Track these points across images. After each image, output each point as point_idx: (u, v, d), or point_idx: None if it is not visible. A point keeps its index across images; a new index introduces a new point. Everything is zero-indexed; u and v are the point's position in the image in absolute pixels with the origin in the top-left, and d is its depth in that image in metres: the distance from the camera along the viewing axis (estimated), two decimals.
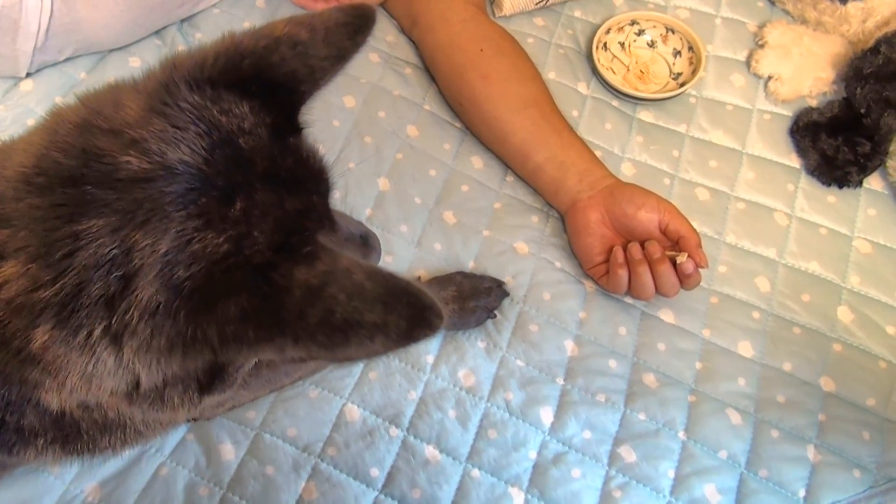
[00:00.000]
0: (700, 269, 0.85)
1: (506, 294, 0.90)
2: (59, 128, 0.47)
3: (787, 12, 1.15)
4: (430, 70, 1.06)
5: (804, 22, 1.13)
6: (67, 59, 1.01)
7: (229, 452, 0.80)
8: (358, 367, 0.85)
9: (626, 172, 1.02)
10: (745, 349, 0.90)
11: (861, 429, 0.85)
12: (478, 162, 1.00)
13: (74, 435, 0.56)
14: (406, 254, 0.93)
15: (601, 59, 1.09)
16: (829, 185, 1.01)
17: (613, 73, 1.09)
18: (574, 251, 0.94)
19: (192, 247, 0.43)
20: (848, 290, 0.94)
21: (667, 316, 0.91)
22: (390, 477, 0.81)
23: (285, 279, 0.44)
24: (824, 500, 0.81)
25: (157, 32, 1.06)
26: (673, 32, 1.10)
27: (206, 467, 0.80)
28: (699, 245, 0.86)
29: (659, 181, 1.01)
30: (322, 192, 0.53)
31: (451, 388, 0.85)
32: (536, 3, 1.13)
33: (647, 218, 0.87)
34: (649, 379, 0.87)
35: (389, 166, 0.98)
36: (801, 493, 0.82)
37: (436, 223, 0.95)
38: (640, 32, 1.11)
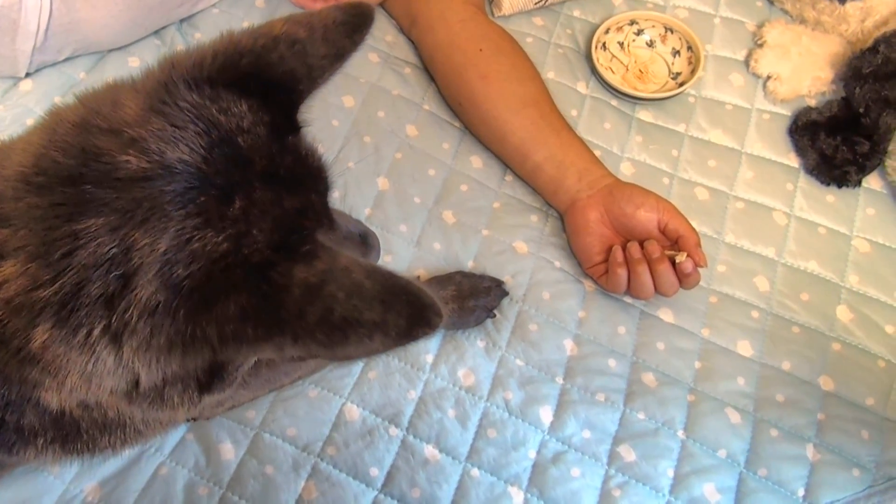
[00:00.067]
0: (699, 269, 0.85)
1: (505, 293, 0.90)
2: (58, 127, 0.48)
3: (785, 12, 1.15)
4: (430, 70, 1.06)
5: (803, 21, 1.13)
6: (67, 59, 1.01)
7: (229, 452, 0.80)
8: (357, 367, 0.86)
9: (626, 172, 1.02)
10: (745, 348, 0.90)
11: (860, 428, 0.85)
12: (477, 161, 1.00)
13: (74, 434, 0.56)
14: (405, 253, 0.93)
15: (600, 58, 1.09)
16: (828, 184, 1.01)
17: (612, 72, 1.09)
18: (573, 250, 0.94)
19: (191, 246, 0.43)
20: (847, 290, 0.94)
21: (666, 315, 0.91)
22: (390, 476, 0.81)
23: (284, 278, 0.44)
24: (823, 499, 0.81)
25: (157, 32, 1.06)
26: (672, 32, 1.10)
27: (206, 467, 0.80)
28: (698, 244, 0.86)
29: (658, 181, 1.01)
30: (321, 190, 0.53)
31: (451, 387, 0.85)
32: (535, 3, 1.13)
33: (647, 217, 0.87)
34: (648, 378, 0.87)
35: (389, 166, 0.98)
36: (801, 492, 0.82)
37: (435, 223, 0.95)
38: (639, 32, 1.12)
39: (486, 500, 0.80)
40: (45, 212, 0.44)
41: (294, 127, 0.53)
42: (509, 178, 1.00)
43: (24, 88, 0.99)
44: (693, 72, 1.06)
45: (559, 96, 1.02)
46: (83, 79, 1.01)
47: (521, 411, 0.84)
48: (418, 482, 0.80)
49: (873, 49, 0.99)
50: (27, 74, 0.99)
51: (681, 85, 1.06)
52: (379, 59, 1.07)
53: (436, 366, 0.86)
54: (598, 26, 1.10)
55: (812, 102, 1.07)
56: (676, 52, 1.10)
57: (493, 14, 1.13)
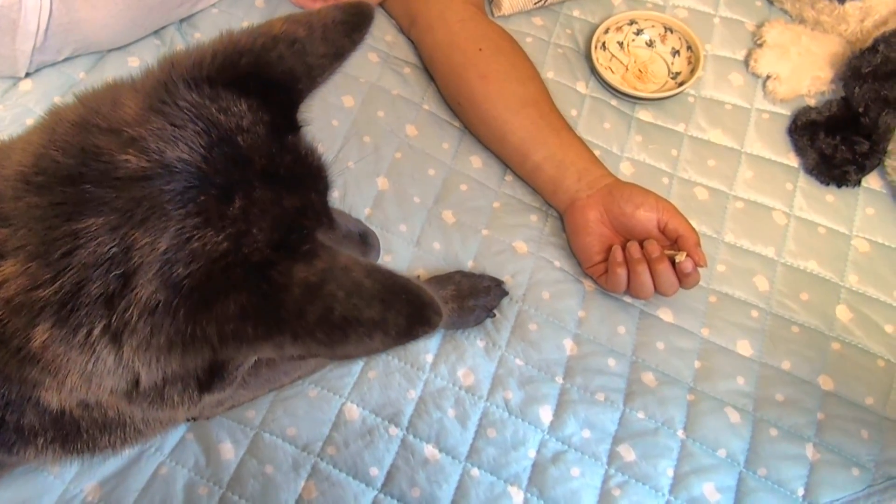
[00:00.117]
0: (699, 268, 0.85)
1: (505, 293, 0.90)
2: (57, 127, 0.48)
3: (785, 11, 1.15)
4: (429, 70, 1.06)
5: (802, 21, 1.13)
6: (66, 59, 1.01)
7: (229, 452, 0.80)
8: (357, 367, 0.86)
9: (625, 171, 1.02)
10: (744, 348, 0.90)
11: (860, 427, 0.85)
12: (477, 161, 1.00)
13: (74, 434, 0.56)
14: (405, 253, 0.93)
15: (600, 58, 1.09)
16: (828, 184, 1.01)
17: (612, 72, 1.09)
18: (573, 250, 0.94)
19: (191, 245, 0.43)
20: (846, 289, 0.94)
21: (666, 315, 0.91)
22: (390, 476, 0.81)
23: (284, 277, 0.44)
24: (823, 499, 0.81)
25: (156, 32, 1.06)
26: (671, 32, 1.10)
27: (206, 466, 0.80)
28: (698, 244, 0.86)
29: (658, 180, 1.01)
30: (321, 189, 0.53)
31: (451, 387, 0.85)
32: (535, 3, 1.13)
33: (646, 217, 0.87)
34: (648, 378, 0.87)
35: (388, 166, 0.98)
36: (800, 491, 0.82)
37: (435, 222, 0.95)
38: (639, 32, 1.12)
39: (485, 500, 0.80)
40: (44, 211, 0.44)
41: (294, 126, 0.53)
42: (509, 177, 1.00)
43: (24, 88, 0.99)
44: (692, 71, 1.06)
45: (559, 96, 1.02)
46: (83, 79, 1.01)
47: (520, 411, 0.84)
48: (418, 482, 0.80)
49: (872, 49, 0.99)
50: (27, 74, 0.99)
51: (680, 85, 1.06)
52: (378, 59, 1.07)
53: (435, 365, 0.86)
54: (597, 26, 1.10)
55: (811, 102, 1.07)
56: (676, 52, 1.10)
57: (492, 14, 1.13)
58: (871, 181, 1.02)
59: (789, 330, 0.91)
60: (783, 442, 0.84)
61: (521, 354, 0.87)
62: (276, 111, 0.51)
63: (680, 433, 0.84)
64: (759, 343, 0.90)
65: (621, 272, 0.86)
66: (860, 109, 0.98)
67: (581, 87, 1.08)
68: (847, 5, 1.06)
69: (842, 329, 0.91)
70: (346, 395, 0.84)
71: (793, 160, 1.04)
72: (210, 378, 0.49)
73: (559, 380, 0.86)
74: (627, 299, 0.92)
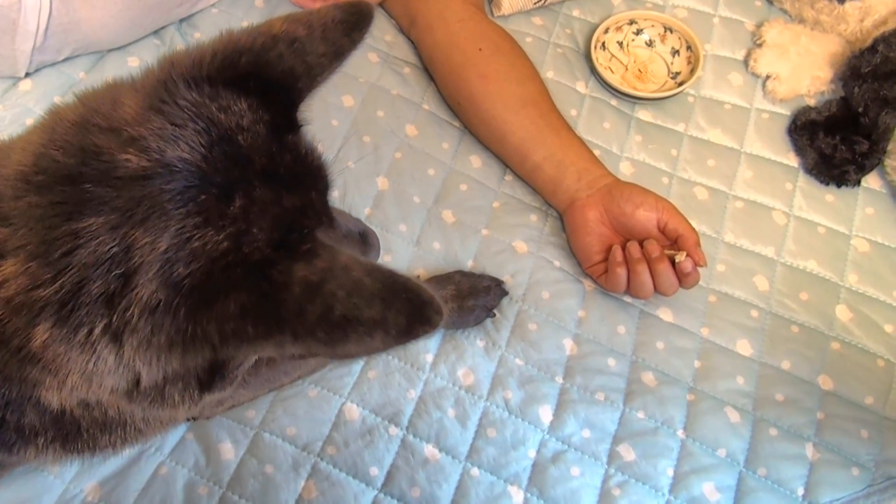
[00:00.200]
0: (698, 268, 0.85)
1: (505, 293, 0.90)
2: (57, 126, 0.47)
3: (784, 11, 1.16)
4: (429, 69, 1.06)
5: (802, 21, 1.13)
6: (66, 59, 1.01)
7: (229, 451, 0.80)
8: (357, 366, 0.86)
9: (625, 171, 1.02)
10: (744, 348, 0.90)
11: (859, 427, 0.85)
12: (476, 161, 1.01)
13: (74, 433, 0.56)
14: (405, 253, 0.93)
15: (599, 58, 1.09)
16: (828, 183, 1.01)
17: (612, 72, 1.09)
18: (573, 250, 0.94)
19: (191, 244, 0.43)
20: (846, 289, 0.94)
21: (665, 315, 0.91)
22: (390, 476, 0.81)
23: (284, 276, 0.44)
24: (823, 499, 0.81)
25: (156, 32, 1.06)
26: (671, 32, 1.10)
27: (206, 466, 0.80)
28: (698, 244, 0.86)
29: (657, 180, 1.01)
30: (321, 189, 0.53)
31: (451, 387, 0.85)
32: (535, 3, 1.13)
33: (646, 217, 0.87)
34: (648, 377, 0.87)
35: (388, 165, 0.98)
36: (800, 491, 0.82)
37: (435, 222, 0.95)
38: (639, 32, 1.12)
39: (485, 500, 0.80)
40: (44, 211, 0.44)
41: (293, 126, 0.52)
42: (509, 177, 1.00)
43: (24, 88, 0.99)
44: (692, 71, 1.06)
45: (558, 96, 1.02)
46: (83, 79, 1.01)
47: (520, 411, 0.84)
48: (418, 481, 0.80)
49: (872, 48, 0.99)
50: (27, 74, 0.99)
51: (680, 84, 1.06)
52: (378, 59, 1.07)
53: (435, 365, 0.86)
54: (597, 26, 1.10)
55: (811, 102, 1.08)
56: (676, 52, 1.10)
57: (492, 14, 1.13)
58: (871, 181, 1.02)
59: (789, 330, 0.91)
60: (783, 441, 0.84)
61: (521, 354, 0.87)
62: (275, 110, 0.51)
63: (680, 433, 0.84)
64: (759, 343, 0.90)
65: (621, 272, 0.86)
66: (860, 109, 0.98)
67: (581, 87, 1.08)
68: (846, 5, 1.06)
69: (841, 329, 0.91)
70: (346, 394, 0.84)
71: (792, 160, 1.04)
72: (210, 377, 0.49)
73: (559, 379, 0.86)
74: (627, 299, 0.92)
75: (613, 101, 1.07)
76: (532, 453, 0.82)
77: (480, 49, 0.98)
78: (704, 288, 0.93)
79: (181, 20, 1.07)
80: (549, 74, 1.08)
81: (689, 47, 1.09)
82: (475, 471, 0.81)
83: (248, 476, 0.79)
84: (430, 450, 0.82)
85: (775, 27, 1.10)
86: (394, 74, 1.06)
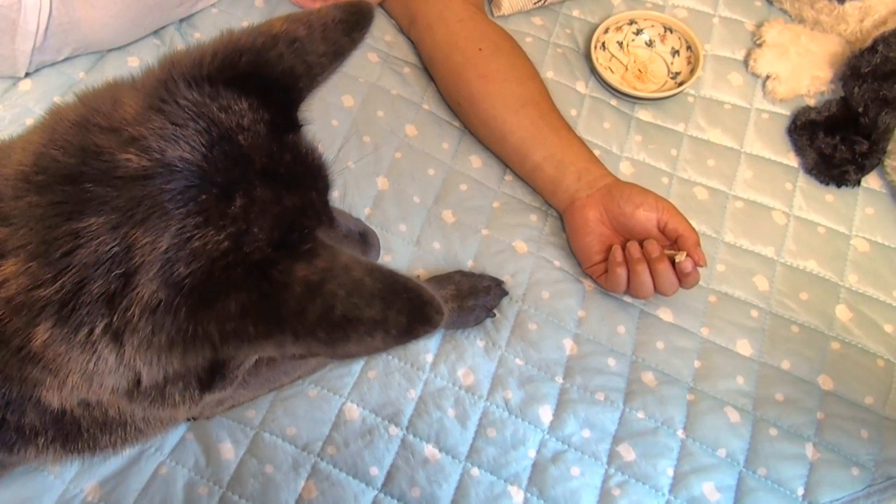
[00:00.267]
0: (698, 268, 0.85)
1: (505, 293, 0.90)
2: (57, 126, 0.47)
3: (784, 11, 1.16)
4: (429, 69, 1.06)
5: (802, 21, 1.13)
6: (66, 59, 1.01)
7: (229, 451, 0.80)
8: (357, 366, 0.86)
9: (625, 171, 1.02)
10: (744, 347, 0.90)
11: (859, 427, 0.85)
12: (476, 161, 1.01)
13: (75, 433, 0.56)
14: (405, 253, 0.93)
15: (599, 58, 1.09)
16: (827, 183, 1.01)
17: (612, 72, 1.09)
18: (573, 250, 0.94)
19: (191, 244, 0.43)
20: (846, 289, 0.94)
21: (665, 314, 0.91)
22: (390, 476, 0.81)
23: (285, 276, 0.44)
24: (823, 499, 0.81)
25: (156, 32, 1.06)
26: (671, 32, 1.11)
27: (206, 466, 0.80)
28: (698, 244, 0.86)
29: (657, 180, 1.01)
30: (321, 188, 0.53)
31: (451, 386, 0.85)
32: (535, 3, 1.13)
33: (646, 217, 0.87)
34: (648, 377, 0.87)
35: (388, 165, 0.98)
36: (800, 491, 0.82)
37: (434, 222, 0.95)
38: (639, 32, 1.12)
39: (485, 500, 0.80)
40: (45, 210, 0.44)
41: (294, 125, 0.52)
42: (509, 177, 1.00)
43: (24, 88, 0.99)
44: (692, 71, 1.06)
45: (558, 96, 1.02)
46: (83, 78, 1.01)
47: (520, 410, 0.84)
48: (418, 481, 0.80)
49: (872, 48, 0.99)
50: (27, 74, 0.99)
51: (680, 84, 1.06)
52: (378, 59, 1.07)
53: (435, 365, 0.86)
54: (597, 26, 1.10)
55: (811, 102, 1.08)
56: (675, 52, 1.10)
57: (492, 14, 1.13)
58: (871, 181, 1.02)
59: (789, 329, 0.91)
60: (783, 441, 0.84)
61: (521, 354, 0.87)
62: (276, 110, 0.51)
63: (680, 433, 0.84)
64: (759, 343, 0.90)
65: (621, 272, 0.86)
66: (859, 109, 0.98)
67: (581, 86, 1.08)
68: (846, 5, 1.06)
69: (841, 329, 0.91)
70: (346, 394, 0.84)
71: (792, 160, 1.04)
72: (211, 377, 0.49)
73: (559, 379, 0.86)
74: (627, 299, 0.92)
75: (613, 101, 1.07)
76: (532, 453, 0.83)
77: (480, 49, 0.98)
78: (704, 288, 0.93)
79: (181, 20, 1.07)
80: (549, 74, 1.08)
81: (689, 47, 1.09)
82: (475, 471, 0.81)
83: (248, 476, 0.79)
84: (430, 450, 0.82)
85: (775, 27, 1.10)
86: (394, 74, 1.06)
